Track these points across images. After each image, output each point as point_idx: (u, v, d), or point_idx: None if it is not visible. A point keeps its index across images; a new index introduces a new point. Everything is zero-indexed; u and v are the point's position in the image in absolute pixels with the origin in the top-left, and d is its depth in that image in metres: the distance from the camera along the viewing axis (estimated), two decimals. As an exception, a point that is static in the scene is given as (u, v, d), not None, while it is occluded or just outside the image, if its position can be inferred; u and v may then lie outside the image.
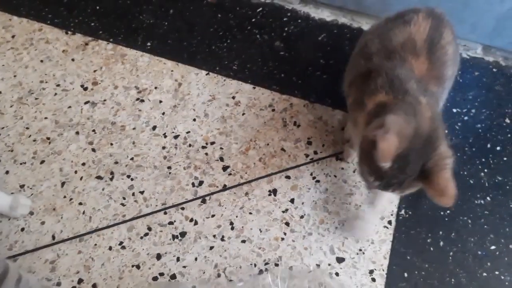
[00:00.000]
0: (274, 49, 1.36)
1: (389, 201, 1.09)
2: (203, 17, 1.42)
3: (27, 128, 1.21)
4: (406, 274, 1.03)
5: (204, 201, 1.11)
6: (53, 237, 1.06)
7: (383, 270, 1.03)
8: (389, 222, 1.08)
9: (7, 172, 1.14)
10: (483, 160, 1.18)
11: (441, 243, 1.06)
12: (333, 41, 1.38)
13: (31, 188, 1.12)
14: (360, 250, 1.05)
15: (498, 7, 1.20)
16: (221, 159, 1.17)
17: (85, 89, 1.27)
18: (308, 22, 1.42)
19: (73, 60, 1.32)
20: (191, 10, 1.44)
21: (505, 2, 1.18)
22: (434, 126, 0.79)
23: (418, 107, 0.80)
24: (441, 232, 1.08)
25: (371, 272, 1.03)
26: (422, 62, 0.87)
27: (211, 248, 1.06)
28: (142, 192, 1.12)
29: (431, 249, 1.06)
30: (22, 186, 1.12)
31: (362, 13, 1.40)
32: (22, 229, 1.07)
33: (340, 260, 1.04)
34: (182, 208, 1.10)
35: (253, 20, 1.42)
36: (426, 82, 0.86)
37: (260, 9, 1.44)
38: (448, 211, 1.10)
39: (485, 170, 1.17)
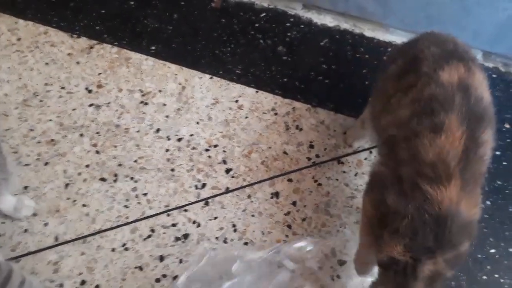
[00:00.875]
0: (277, 54, 1.38)
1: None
2: (207, 22, 1.44)
3: (32, 130, 1.22)
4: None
5: (207, 204, 1.12)
6: (56, 239, 1.07)
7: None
8: (391, 226, 1.09)
9: (11, 174, 1.15)
10: (484, 165, 1.19)
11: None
12: (335, 47, 1.39)
13: (35, 190, 1.13)
14: (362, 253, 1.06)
15: (499, 15, 1.22)
16: (224, 161, 1.18)
17: (90, 91, 1.28)
18: (310, 27, 1.43)
19: (78, 63, 1.34)
20: (195, 15, 1.46)
21: (506, 10, 1.20)
22: None
23: None
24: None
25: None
26: (454, 185, 0.75)
27: (214, 250, 1.06)
28: (145, 194, 1.12)
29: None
30: (26, 188, 1.13)
31: (364, 19, 1.41)
32: (25, 231, 1.07)
33: (341, 262, 1.05)
34: (185, 210, 1.11)
35: (257, 25, 1.44)
36: (457, 207, 0.74)
37: (264, 14, 1.46)
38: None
39: (485, 175, 1.17)
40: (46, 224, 1.08)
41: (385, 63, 1.06)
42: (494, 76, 1.34)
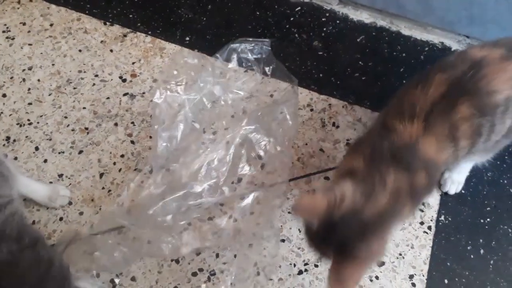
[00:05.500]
0: (313, 49, 1.36)
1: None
2: (241, 14, 1.42)
3: (66, 117, 1.20)
4: (446, 281, 1.02)
5: (242, 198, 1.11)
6: (92, 228, 1.05)
7: (423, 275, 1.02)
8: (429, 228, 1.08)
9: (45, 161, 1.14)
10: (524, 169, 1.17)
11: (482, 251, 1.05)
12: (372, 44, 1.37)
13: (69, 178, 1.12)
14: (400, 254, 1.04)
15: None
16: (259, 157, 1.17)
17: (124, 80, 1.27)
18: (346, 23, 1.41)
19: (111, 51, 1.32)
20: (229, 7, 1.43)
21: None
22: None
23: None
24: (481, 240, 1.07)
25: (411, 277, 1.02)
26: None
27: (250, 245, 1.05)
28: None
29: (472, 256, 1.05)
30: (60, 176, 1.12)
31: (401, 17, 1.39)
32: (61, 219, 1.06)
33: (380, 263, 1.04)
34: (221, 204, 1.10)
35: (292, 19, 1.41)
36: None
37: (299, 8, 1.44)
38: (488, 219, 1.09)
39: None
40: (81, 213, 1.07)
41: None
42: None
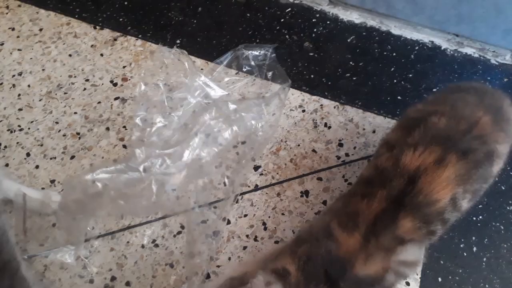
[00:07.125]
0: (304, 50, 1.36)
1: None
2: (232, 16, 1.42)
3: (57, 122, 1.20)
4: (440, 279, 1.03)
5: (236, 201, 1.11)
6: (85, 234, 1.05)
7: (417, 274, 1.03)
8: (422, 226, 1.08)
9: (37, 167, 1.13)
10: (514, 166, 1.18)
11: (474, 249, 1.06)
12: (362, 44, 1.38)
13: (61, 184, 1.11)
14: (394, 253, 1.05)
15: (532, 14, 1.20)
16: (252, 159, 1.17)
17: (115, 84, 1.26)
18: (337, 23, 1.41)
19: (102, 55, 1.31)
20: (220, 9, 1.43)
21: (539, 10, 1.19)
22: None
23: None
24: (474, 238, 1.08)
25: (405, 276, 1.02)
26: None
27: (244, 248, 1.05)
28: (174, 190, 1.11)
29: (465, 254, 1.06)
30: (52, 181, 1.11)
31: (391, 17, 1.39)
32: (53, 225, 1.06)
33: (374, 263, 1.04)
34: (215, 207, 1.09)
35: (282, 20, 1.42)
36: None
37: (289, 9, 1.44)
38: (480, 217, 1.10)
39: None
40: (74, 219, 1.06)
41: None
42: (522, 77, 1.33)
